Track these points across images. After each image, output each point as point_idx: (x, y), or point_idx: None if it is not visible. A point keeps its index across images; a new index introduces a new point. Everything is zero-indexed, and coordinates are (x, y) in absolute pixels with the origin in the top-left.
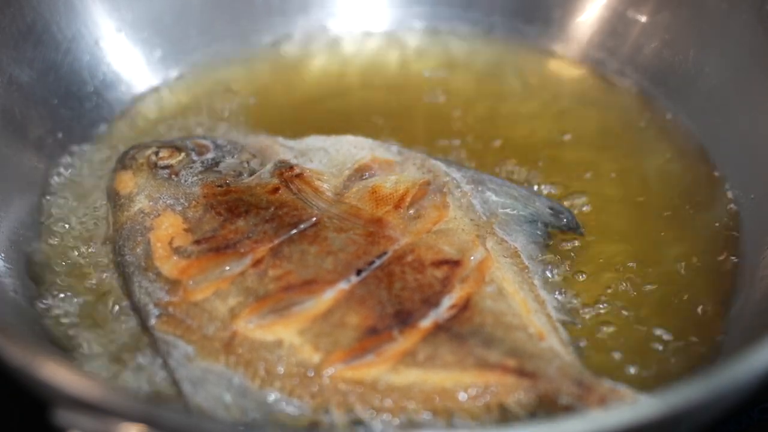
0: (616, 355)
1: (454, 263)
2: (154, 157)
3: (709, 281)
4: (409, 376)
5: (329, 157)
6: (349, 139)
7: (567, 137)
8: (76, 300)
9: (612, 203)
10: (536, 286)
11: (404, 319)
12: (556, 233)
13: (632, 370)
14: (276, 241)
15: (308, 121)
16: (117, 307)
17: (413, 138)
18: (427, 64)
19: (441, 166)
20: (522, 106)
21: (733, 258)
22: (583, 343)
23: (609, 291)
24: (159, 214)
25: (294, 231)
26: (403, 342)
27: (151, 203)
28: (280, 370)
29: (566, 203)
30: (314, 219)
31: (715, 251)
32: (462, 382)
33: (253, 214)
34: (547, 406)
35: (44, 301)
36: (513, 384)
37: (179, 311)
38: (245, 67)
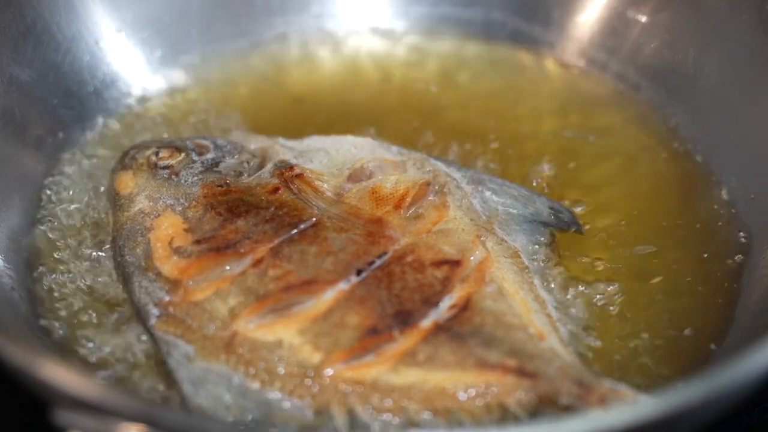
0: (616, 355)
1: (454, 263)
2: (154, 158)
3: (709, 281)
4: (410, 376)
5: (329, 157)
6: (349, 139)
7: (565, 137)
8: (76, 300)
9: (610, 203)
10: (536, 286)
11: (404, 319)
12: (556, 233)
13: (632, 370)
14: (276, 241)
15: (308, 121)
16: (117, 307)
17: (412, 137)
18: (426, 63)
19: (441, 166)
20: (521, 106)
21: (732, 258)
22: (582, 343)
23: (609, 290)
24: (159, 215)
25: (294, 231)
26: (404, 342)
27: (151, 203)
28: (281, 370)
29: (564, 202)
30: (314, 219)
31: (714, 251)
32: (462, 382)
33: (253, 214)
34: (547, 406)
35: (44, 301)
36: (513, 384)
37: (179, 311)
38: (245, 66)
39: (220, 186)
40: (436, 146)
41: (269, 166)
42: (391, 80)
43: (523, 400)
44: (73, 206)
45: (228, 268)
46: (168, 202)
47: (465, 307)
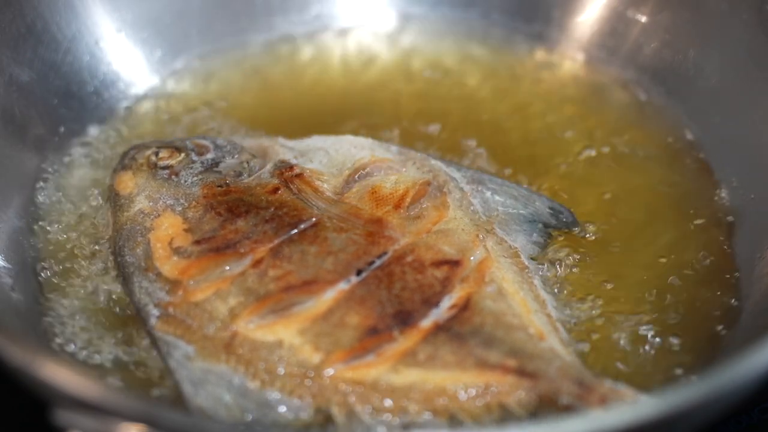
0: (616, 355)
1: (454, 263)
2: (153, 158)
3: (709, 281)
4: (410, 376)
5: (329, 157)
6: (349, 139)
7: (565, 137)
8: (76, 300)
9: (610, 203)
10: (536, 286)
11: (404, 319)
12: (556, 233)
13: (632, 370)
14: (276, 241)
15: (307, 121)
16: (117, 308)
17: (413, 138)
18: (426, 63)
19: (441, 165)
20: (520, 106)
21: (732, 258)
22: (582, 344)
23: (609, 290)
24: (159, 215)
25: (294, 231)
26: (404, 342)
27: (150, 204)
28: (281, 370)
29: (564, 203)
30: (314, 219)
31: (714, 251)
32: (462, 382)
33: (253, 215)
34: (547, 406)
35: (44, 301)
36: (513, 384)
37: (179, 311)
38: (245, 66)
39: (220, 186)
40: (436, 146)
41: (269, 166)
42: (391, 80)
43: (523, 400)
44: (73, 206)
45: (228, 268)
46: (168, 202)
47: (465, 307)
